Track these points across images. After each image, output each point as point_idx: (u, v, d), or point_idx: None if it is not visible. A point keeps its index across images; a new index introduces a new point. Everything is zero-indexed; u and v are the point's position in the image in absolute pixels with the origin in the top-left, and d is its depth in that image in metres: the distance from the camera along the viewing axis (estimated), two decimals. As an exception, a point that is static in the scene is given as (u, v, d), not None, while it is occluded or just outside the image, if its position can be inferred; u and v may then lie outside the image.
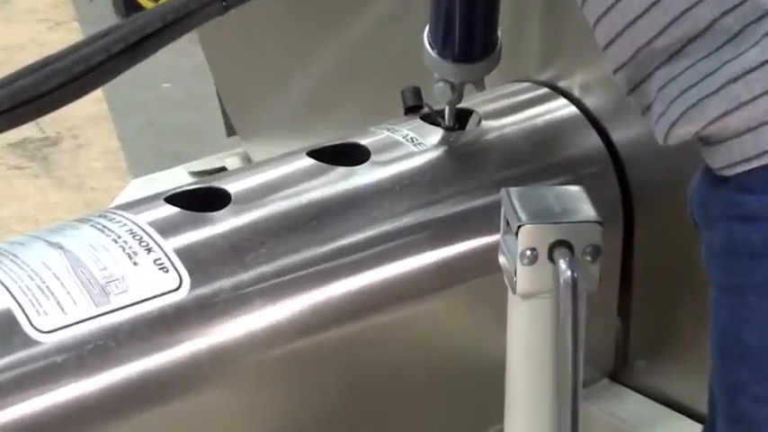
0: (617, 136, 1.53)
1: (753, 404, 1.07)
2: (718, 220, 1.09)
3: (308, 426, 1.36)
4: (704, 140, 1.04)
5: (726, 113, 1.01)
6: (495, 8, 1.48)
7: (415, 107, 1.53)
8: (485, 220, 1.31)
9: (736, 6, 1.01)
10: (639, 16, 1.05)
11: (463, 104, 1.52)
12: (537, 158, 1.50)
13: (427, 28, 1.49)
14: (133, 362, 1.16)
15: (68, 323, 1.16)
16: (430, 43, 1.48)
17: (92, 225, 1.25)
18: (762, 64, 0.99)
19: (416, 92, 1.52)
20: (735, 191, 1.04)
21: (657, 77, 1.07)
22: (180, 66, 1.59)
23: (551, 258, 1.15)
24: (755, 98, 0.99)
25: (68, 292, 1.18)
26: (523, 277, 1.17)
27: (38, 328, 1.15)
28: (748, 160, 1.01)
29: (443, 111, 1.49)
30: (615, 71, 1.11)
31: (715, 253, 1.12)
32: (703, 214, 1.12)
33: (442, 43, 1.47)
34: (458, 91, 1.49)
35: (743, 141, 1.02)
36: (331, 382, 1.35)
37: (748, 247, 1.05)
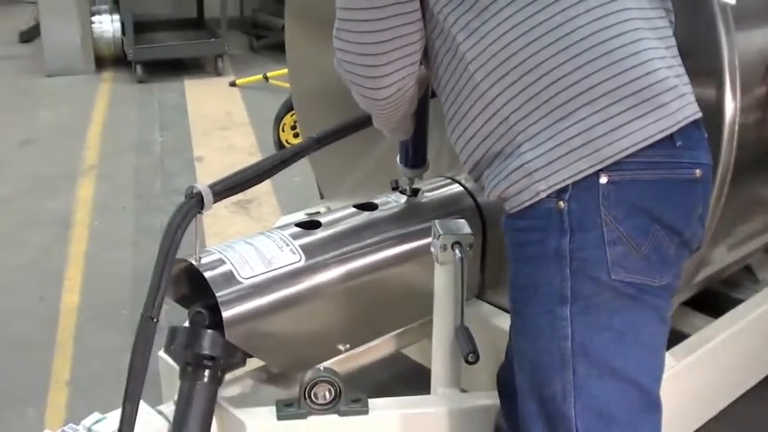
0: (480, 199, 2.56)
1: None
2: (507, 231, 1.77)
3: (354, 308, 2.30)
4: (501, 197, 1.73)
5: (506, 188, 1.69)
6: (425, 149, 2.44)
7: (396, 187, 2.54)
8: (426, 232, 2.28)
9: (498, 139, 1.70)
10: (469, 156, 1.79)
11: (416, 185, 2.52)
12: (447, 208, 2.51)
13: (398, 155, 2.46)
14: (283, 289, 2.16)
15: (253, 275, 2.14)
16: (400, 160, 2.47)
17: (264, 235, 2.28)
18: (513, 169, 1.67)
19: (396, 182, 2.53)
20: (514, 218, 1.72)
21: (484, 174, 1.78)
22: (299, 167, 2.68)
23: (452, 248, 2.17)
24: (514, 183, 1.67)
25: (253, 262, 2.17)
26: (440, 257, 2.18)
27: (242, 276, 2.13)
28: (516, 206, 1.69)
29: (407, 188, 2.50)
30: (468, 173, 1.85)
31: (507, 247, 1.79)
32: (504, 228, 1.80)
33: (405, 160, 2.46)
34: (412, 180, 2.50)
35: (512, 200, 1.70)
36: (359, 294, 2.30)
37: (519, 240, 1.73)
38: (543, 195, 1.64)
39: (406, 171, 2.46)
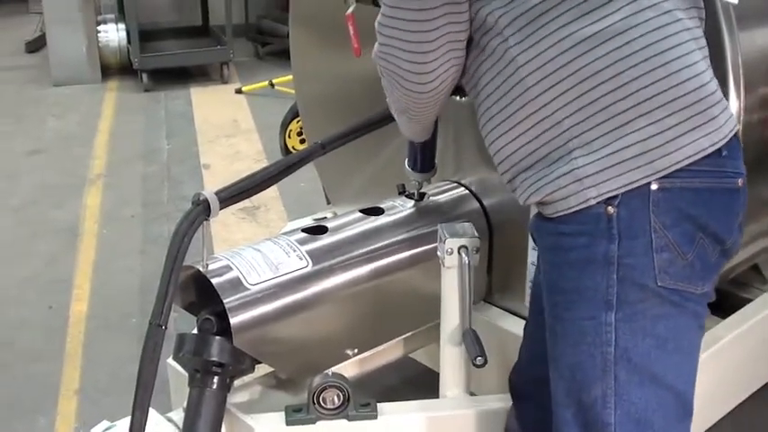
0: (485, 202, 2.56)
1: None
2: (546, 235, 1.75)
3: (362, 313, 2.31)
4: (542, 201, 1.69)
5: (551, 193, 1.66)
6: (434, 153, 2.43)
7: (403, 191, 2.55)
8: (432, 236, 2.30)
9: (545, 143, 1.67)
10: (506, 157, 1.76)
11: (423, 189, 2.52)
12: (453, 212, 2.52)
13: (406, 160, 2.45)
14: (290, 295, 2.17)
15: (261, 281, 2.15)
16: (408, 164, 2.45)
17: (271, 241, 2.29)
18: (561, 174, 1.64)
19: (403, 186, 2.54)
20: (557, 223, 1.69)
21: (520, 177, 1.74)
22: (303, 173, 2.66)
23: (459, 252, 2.16)
24: (561, 188, 1.64)
25: (260, 268, 2.18)
26: (447, 261, 2.18)
27: (250, 282, 2.14)
28: (561, 211, 1.66)
29: (414, 192, 2.51)
30: (501, 174, 1.79)
31: (544, 251, 1.77)
32: (534, 234, 1.81)
33: (413, 165, 2.45)
34: (420, 184, 2.50)
35: (556, 204, 1.66)
36: (366, 298, 2.31)
37: (563, 244, 1.69)
38: (593, 202, 1.63)
39: (414, 175, 2.47)
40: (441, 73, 1.80)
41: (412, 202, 2.52)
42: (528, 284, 2.40)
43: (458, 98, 2.34)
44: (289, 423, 2.16)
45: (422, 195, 2.54)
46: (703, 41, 1.74)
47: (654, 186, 1.61)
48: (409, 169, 2.46)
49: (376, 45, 1.84)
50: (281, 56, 7.68)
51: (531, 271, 2.39)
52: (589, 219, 1.64)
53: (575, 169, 1.63)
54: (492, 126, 1.77)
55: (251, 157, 6.00)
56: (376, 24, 1.81)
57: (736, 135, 1.72)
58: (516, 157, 1.73)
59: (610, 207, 1.62)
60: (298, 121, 5.13)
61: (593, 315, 1.67)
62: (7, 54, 9.03)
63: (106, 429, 2.07)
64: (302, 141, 5.12)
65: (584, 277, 1.66)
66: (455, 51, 1.78)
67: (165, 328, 1.97)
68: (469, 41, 1.80)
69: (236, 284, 2.13)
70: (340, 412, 2.17)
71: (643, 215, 1.62)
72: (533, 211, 1.78)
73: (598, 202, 1.62)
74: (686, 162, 1.61)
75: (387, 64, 1.84)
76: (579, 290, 1.68)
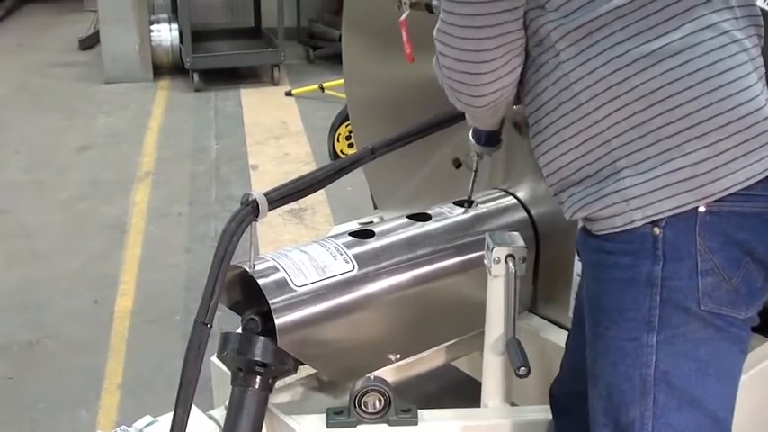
0: (533, 212, 2.54)
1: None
2: (590, 251, 1.73)
3: (406, 318, 2.31)
4: (588, 218, 1.68)
5: (597, 211, 1.64)
6: (501, 127, 2.26)
7: (458, 165, 2.49)
8: (479, 244, 2.28)
9: (595, 161, 1.64)
10: (556, 170, 1.73)
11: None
12: (501, 220, 2.50)
13: (470, 132, 2.30)
14: (335, 298, 2.16)
15: (307, 283, 2.14)
16: (472, 137, 2.30)
17: (318, 243, 2.29)
18: (609, 193, 1.62)
19: (458, 159, 2.47)
20: (601, 240, 1.67)
21: (568, 192, 1.72)
22: (350, 177, 2.57)
23: (506, 261, 2.15)
24: (608, 206, 1.62)
25: (307, 270, 2.17)
26: (493, 270, 2.15)
27: (295, 284, 2.13)
28: (606, 229, 1.65)
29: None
30: (549, 186, 1.77)
31: (588, 266, 1.76)
32: (579, 248, 1.79)
33: (478, 139, 2.30)
34: (481, 156, 2.37)
35: (602, 222, 1.65)
36: (411, 304, 2.30)
37: (606, 262, 1.67)
38: (639, 224, 1.60)
39: (478, 148, 2.36)
40: (496, 89, 1.76)
41: (460, 210, 2.52)
42: (573, 295, 2.39)
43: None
44: (330, 425, 2.16)
45: (470, 203, 2.53)
46: (760, 61, 1.70)
47: (701, 209, 1.58)
48: (473, 141, 2.35)
49: (436, 54, 1.79)
50: (332, 60, 7.72)
51: (576, 282, 2.37)
52: (634, 239, 1.62)
53: (622, 189, 1.61)
54: (543, 138, 1.74)
55: (299, 159, 6.03)
56: (435, 33, 1.76)
57: None
58: (565, 172, 1.71)
59: (656, 228, 1.59)
60: (347, 126, 5.15)
61: (635, 336, 1.65)
62: (61, 51, 9.15)
63: (148, 424, 2.08)
64: (350, 145, 5.15)
65: (627, 297, 1.64)
66: (512, 63, 1.72)
67: (211, 326, 1.98)
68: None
69: (282, 285, 2.13)
70: (381, 417, 2.16)
71: (689, 238, 1.59)
72: (580, 224, 1.76)
73: (644, 224, 1.60)
74: (737, 188, 1.58)
75: (443, 75, 1.80)
76: (621, 309, 1.66)
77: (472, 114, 1.99)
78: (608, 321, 1.68)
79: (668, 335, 1.63)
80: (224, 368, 2.21)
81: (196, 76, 7.78)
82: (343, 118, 5.23)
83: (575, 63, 1.64)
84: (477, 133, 2.30)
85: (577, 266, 2.35)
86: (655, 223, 1.59)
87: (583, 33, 1.62)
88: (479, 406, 2.31)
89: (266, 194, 2.13)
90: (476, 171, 2.43)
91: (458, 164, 2.52)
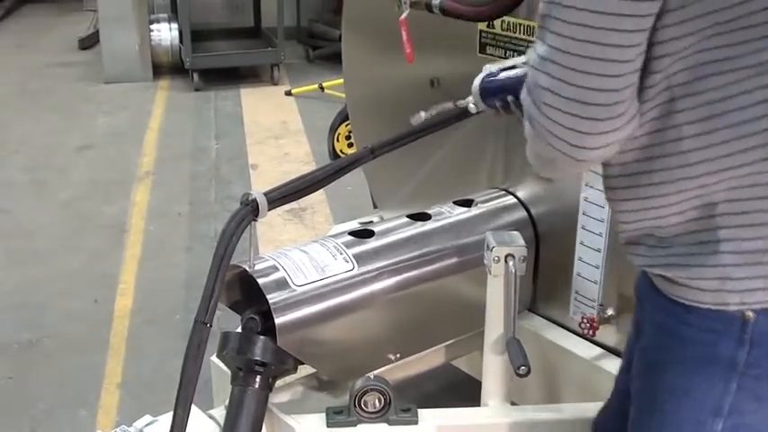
0: (533, 211, 2.56)
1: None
2: (661, 313, 1.54)
3: (406, 318, 2.31)
4: (669, 279, 1.48)
5: (686, 278, 1.45)
6: None
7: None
8: (479, 244, 2.26)
9: (692, 220, 1.45)
10: (639, 220, 1.52)
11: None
12: (500, 220, 2.51)
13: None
14: (335, 297, 2.17)
15: (307, 282, 2.15)
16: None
17: (318, 243, 2.30)
18: (703, 265, 1.43)
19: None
20: (681, 309, 1.48)
21: (648, 242, 1.51)
22: (351, 177, 2.53)
23: (505, 261, 2.15)
24: (699, 279, 1.44)
25: (307, 269, 2.18)
26: (493, 269, 2.16)
27: (295, 283, 2.14)
28: (692, 302, 1.46)
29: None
30: (623, 233, 1.56)
31: (653, 326, 1.58)
32: (643, 297, 1.61)
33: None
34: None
35: (688, 291, 1.46)
36: (410, 304, 2.31)
37: (682, 334, 1.50)
38: (732, 308, 1.45)
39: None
40: (618, 138, 1.44)
41: (459, 209, 2.52)
42: (573, 295, 2.40)
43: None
44: (329, 425, 2.16)
45: (469, 202, 2.53)
46: None
47: None
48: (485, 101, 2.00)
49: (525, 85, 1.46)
50: (332, 59, 7.71)
51: (576, 282, 2.38)
52: (721, 318, 1.46)
53: (719, 266, 1.44)
54: (627, 184, 1.52)
55: (299, 158, 6.03)
56: (533, 59, 1.43)
57: None
58: (649, 224, 1.52)
59: (749, 312, 1.45)
60: (346, 125, 5.15)
61: (699, 419, 1.52)
62: (61, 50, 9.15)
63: (148, 424, 2.08)
64: (350, 145, 5.14)
65: (699, 377, 1.50)
66: (634, 108, 1.42)
67: (211, 326, 1.98)
68: None
69: (282, 285, 2.14)
70: (381, 416, 2.16)
71: None
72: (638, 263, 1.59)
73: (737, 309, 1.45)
74: None
75: (540, 114, 1.42)
76: (689, 388, 1.52)
77: (565, 168, 1.54)
78: (669, 395, 1.55)
79: (735, 422, 1.51)
80: (224, 368, 2.21)
81: (196, 76, 7.78)
82: (342, 118, 5.22)
83: (693, 130, 1.43)
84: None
85: (577, 266, 2.37)
86: (748, 305, 1.45)
87: (710, 99, 1.42)
88: (479, 406, 2.32)
89: (266, 194, 2.13)
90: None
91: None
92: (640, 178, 1.49)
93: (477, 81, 1.96)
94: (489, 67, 1.96)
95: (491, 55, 2.48)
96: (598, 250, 2.29)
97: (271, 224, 4.77)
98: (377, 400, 2.15)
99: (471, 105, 2.02)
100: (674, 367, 1.54)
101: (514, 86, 1.78)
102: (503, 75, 1.92)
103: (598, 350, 2.39)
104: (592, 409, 2.02)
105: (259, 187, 2.60)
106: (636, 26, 1.33)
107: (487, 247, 2.19)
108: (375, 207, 3.40)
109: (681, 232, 1.48)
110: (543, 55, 1.40)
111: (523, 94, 1.47)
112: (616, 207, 1.59)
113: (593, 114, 1.37)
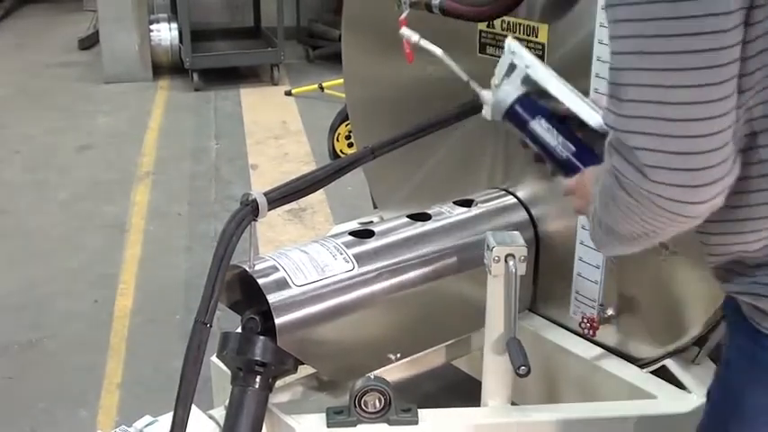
0: (533, 211, 2.56)
1: None
2: (745, 338, 1.51)
3: (406, 318, 2.32)
4: (755, 307, 1.44)
5: None
6: None
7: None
8: (479, 244, 2.23)
9: None
10: (733, 252, 1.46)
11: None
12: (501, 220, 2.50)
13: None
14: (335, 297, 2.17)
15: (307, 282, 2.15)
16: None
17: (318, 243, 2.29)
18: None
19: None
20: (756, 331, 1.45)
21: (737, 268, 1.48)
22: (351, 177, 2.54)
23: (506, 260, 2.13)
24: None
25: (307, 269, 2.18)
26: (493, 269, 2.14)
27: (295, 283, 2.14)
28: None
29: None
30: (712, 256, 1.51)
31: (735, 350, 1.56)
32: (734, 325, 1.55)
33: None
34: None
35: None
36: (411, 304, 2.32)
37: (760, 359, 1.47)
38: None
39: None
40: (730, 182, 1.33)
41: (459, 209, 2.52)
42: (573, 295, 2.40)
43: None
44: (330, 425, 2.15)
45: (469, 202, 2.53)
46: None
47: None
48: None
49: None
50: (332, 59, 7.71)
51: (576, 281, 2.38)
52: None
53: None
54: (717, 218, 1.42)
55: (299, 158, 6.03)
56: (623, 109, 1.30)
57: None
58: (740, 253, 1.47)
59: None
60: (346, 125, 5.15)
61: None
62: (61, 50, 9.14)
63: (148, 424, 2.08)
64: (350, 145, 5.14)
65: None
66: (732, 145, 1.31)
67: (211, 326, 1.98)
68: None
69: (282, 285, 2.13)
70: (381, 416, 2.16)
71: None
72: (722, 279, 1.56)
73: None
74: None
75: (644, 179, 1.29)
76: (755, 414, 1.52)
77: (659, 235, 1.41)
78: (741, 420, 1.55)
79: None
80: (224, 368, 2.21)
81: (196, 76, 7.78)
82: (342, 118, 5.22)
83: None
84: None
85: (577, 266, 2.37)
86: None
87: None
88: (479, 405, 2.31)
89: (266, 194, 2.13)
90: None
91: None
92: (726, 213, 1.41)
93: (507, 95, 1.94)
94: (523, 73, 1.95)
95: (491, 55, 2.47)
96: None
97: (271, 224, 4.77)
98: (377, 401, 2.14)
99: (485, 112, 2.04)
100: (753, 392, 1.51)
101: (559, 152, 1.84)
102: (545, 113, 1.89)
103: (598, 350, 2.40)
104: (592, 409, 2.02)
105: (259, 187, 2.60)
106: (729, 57, 1.25)
107: (487, 247, 2.18)
108: (375, 207, 3.40)
109: (762, 262, 1.45)
110: (627, 113, 1.29)
111: (607, 179, 1.36)
112: (702, 239, 1.52)
113: (705, 163, 1.27)
